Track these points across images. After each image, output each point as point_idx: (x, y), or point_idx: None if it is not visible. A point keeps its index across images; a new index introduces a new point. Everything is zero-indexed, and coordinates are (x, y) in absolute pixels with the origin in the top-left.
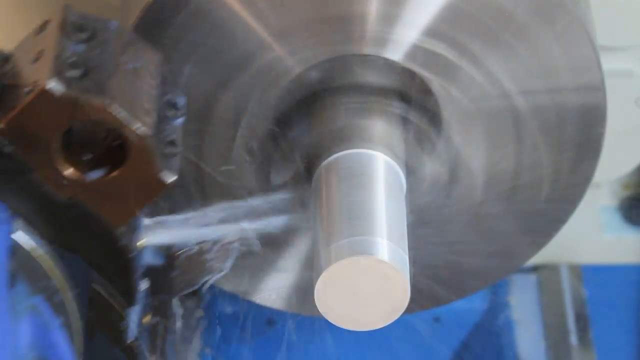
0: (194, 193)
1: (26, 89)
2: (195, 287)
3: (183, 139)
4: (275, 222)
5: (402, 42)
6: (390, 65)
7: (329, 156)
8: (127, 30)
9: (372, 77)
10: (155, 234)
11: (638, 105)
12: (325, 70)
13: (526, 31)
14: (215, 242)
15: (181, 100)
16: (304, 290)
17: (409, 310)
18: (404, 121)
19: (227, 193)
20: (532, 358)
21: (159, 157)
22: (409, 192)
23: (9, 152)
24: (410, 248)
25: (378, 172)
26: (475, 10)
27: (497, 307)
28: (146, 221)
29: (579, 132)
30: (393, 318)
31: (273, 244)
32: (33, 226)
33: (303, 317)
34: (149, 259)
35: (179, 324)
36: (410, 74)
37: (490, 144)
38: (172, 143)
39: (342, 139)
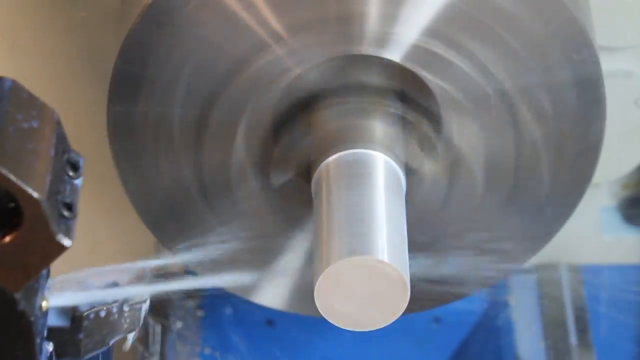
0: (195, 194)
1: None
2: (105, 348)
3: (183, 139)
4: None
5: (401, 42)
6: (389, 65)
7: (329, 156)
8: (23, 88)
9: (371, 78)
10: (60, 295)
11: (638, 105)
12: (324, 70)
13: (524, 30)
14: (124, 302)
15: (81, 161)
16: (304, 290)
17: (409, 310)
18: (404, 121)
19: (228, 195)
20: (532, 358)
21: (55, 220)
22: (409, 192)
23: None
24: (409, 248)
25: (378, 172)
26: (474, 10)
27: (497, 307)
28: (49, 282)
29: (579, 127)
30: (393, 318)
31: (273, 244)
32: None
33: (303, 317)
34: (53, 321)
35: (179, 324)
36: (410, 74)
37: (489, 143)
38: (69, 206)
39: (342, 139)
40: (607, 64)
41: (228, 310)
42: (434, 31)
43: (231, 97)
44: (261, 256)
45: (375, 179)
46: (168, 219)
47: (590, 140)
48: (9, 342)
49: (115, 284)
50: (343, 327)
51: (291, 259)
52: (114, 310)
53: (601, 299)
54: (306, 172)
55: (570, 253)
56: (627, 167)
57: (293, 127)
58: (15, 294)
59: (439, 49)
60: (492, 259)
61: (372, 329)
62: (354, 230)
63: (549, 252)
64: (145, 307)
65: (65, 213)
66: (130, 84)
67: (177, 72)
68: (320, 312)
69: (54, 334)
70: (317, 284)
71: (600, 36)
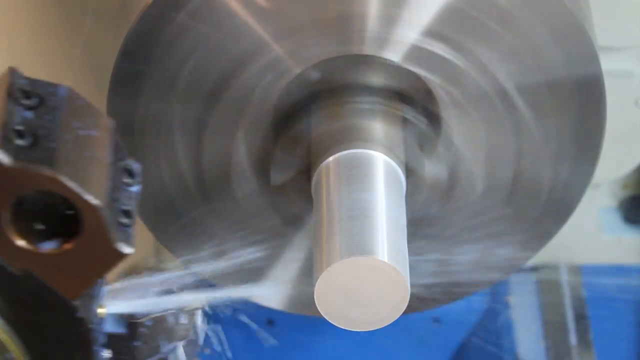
0: (194, 194)
1: None
2: (161, 356)
3: (183, 138)
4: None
5: (401, 42)
6: (389, 65)
7: (329, 156)
8: (78, 96)
9: (371, 78)
10: (117, 302)
11: (638, 105)
12: (325, 70)
13: (525, 30)
14: (179, 309)
15: (137, 168)
16: (304, 290)
17: (409, 310)
18: (404, 121)
19: (228, 194)
20: (532, 358)
21: (114, 227)
22: (408, 192)
23: None
24: (409, 248)
25: (378, 172)
26: (474, 11)
27: (497, 307)
28: (107, 289)
29: (578, 127)
30: (393, 318)
31: (273, 244)
32: None
33: (303, 317)
34: (110, 328)
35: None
36: (410, 75)
37: (489, 143)
38: (127, 213)
39: (342, 139)
40: (607, 64)
41: (228, 310)
42: (434, 31)
43: (231, 97)
44: (261, 256)
45: (375, 178)
46: (168, 218)
47: (590, 140)
48: (68, 350)
49: (170, 291)
50: (343, 327)
51: (291, 258)
52: (170, 317)
53: (601, 299)
54: (306, 172)
55: (570, 253)
56: (627, 167)
57: (293, 127)
58: (74, 301)
59: (439, 49)
60: (492, 259)
61: (372, 329)
62: (354, 230)
63: (549, 252)
64: (200, 314)
65: (124, 220)
66: (131, 82)
67: (177, 72)
68: (320, 312)
69: (110, 340)
70: (317, 284)
71: (600, 36)
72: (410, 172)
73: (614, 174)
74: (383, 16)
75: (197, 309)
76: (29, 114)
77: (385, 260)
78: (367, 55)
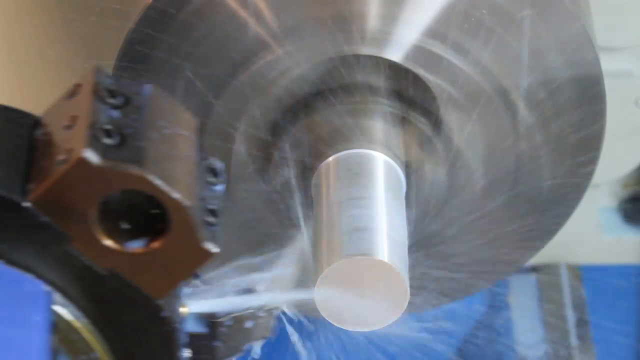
0: None
1: (59, 158)
2: (239, 355)
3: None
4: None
5: (401, 42)
6: (389, 65)
7: (329, 156)
8: (163, 94)
9: (371, 78)
10: (198, 302)
11: (638, 105)
12: (325, 70)
13: (524, 30)
14: (258, 308)
15: (220, 166)
16: (304, 290)
17: (409, 310)
18: (404, 121)
19: (228, 195)
20: (532, 358)
21: (201, 226)
22: (408, 192)
23: (45, 222)
24: (409, 248)
25: (378, 172)
26: (475, 11)
27: (497, 307)
28: (188, 289)
29: (578, 127)
30: (393, 318)
31: (272, 245)
32: (71, 299)
33: (303, 318)
34: (191, 327)
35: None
36: (410, 74)
37: (489, 143)
38: (213, 212)
39: (342, 139)
40: (607, 64)
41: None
42: (434, 31)
43: (231, 97)
44: (260, 256)
45: (375, 178)
46: None
47: (590, 140)
48: (152, 350)
49: (250, 290)
50: (343, 327)
51: (291, 259)
52: (249, 316)
53: (601, 299)
54: (306, 172)
55: (570, 253)
56: (627, 167)
57: (293, 127)
58: (160, 299)
59: (439, 49)
60: (491, 259)
61: (372, 329)
62: (353, 230)
63: (549, 252)
64: (278, 313)
65: (210, 219)
66: None
67: (176, 72)
68: (320, 312)
69: (190, 340)
70: (317, 284)
71: (600, 36)
72: (410, 172)
73: (614, 174)
74: (383, 16)
75: (275, 308)
76: (116, 113)
77: (385, 260)
78: (367, 55)
